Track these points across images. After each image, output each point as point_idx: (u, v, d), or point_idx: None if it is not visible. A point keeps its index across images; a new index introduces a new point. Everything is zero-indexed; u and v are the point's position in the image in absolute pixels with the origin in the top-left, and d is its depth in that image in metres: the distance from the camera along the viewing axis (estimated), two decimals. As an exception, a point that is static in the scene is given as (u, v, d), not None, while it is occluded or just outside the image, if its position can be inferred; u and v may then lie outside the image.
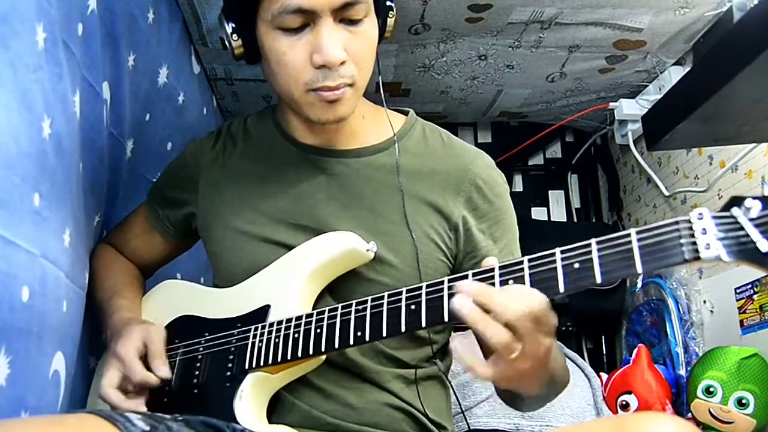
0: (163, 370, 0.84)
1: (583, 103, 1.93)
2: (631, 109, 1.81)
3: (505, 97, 1.91)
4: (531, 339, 0.64)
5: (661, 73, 1.70)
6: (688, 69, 1.59)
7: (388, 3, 0.89)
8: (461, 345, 0.66)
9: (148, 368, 0.84)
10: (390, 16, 0.89)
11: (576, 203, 2.21)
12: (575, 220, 2.19)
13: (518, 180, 2.21)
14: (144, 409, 0.83)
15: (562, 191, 2.21)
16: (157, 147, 1.29)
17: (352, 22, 0.82)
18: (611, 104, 1.85)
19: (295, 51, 0.81)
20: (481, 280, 0.68)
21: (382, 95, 0.95)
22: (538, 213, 2.19)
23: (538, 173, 2.22)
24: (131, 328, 0.87)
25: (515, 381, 0.70)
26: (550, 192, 2.21)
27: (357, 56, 0.83)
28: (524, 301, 0.63)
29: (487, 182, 0.94)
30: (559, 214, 2.19)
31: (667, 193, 1.77)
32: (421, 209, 0.90)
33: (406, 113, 1.00)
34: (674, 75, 1.66)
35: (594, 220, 2.17)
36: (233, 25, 0.86)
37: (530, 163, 2.22)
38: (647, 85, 1.77)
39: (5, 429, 0.59)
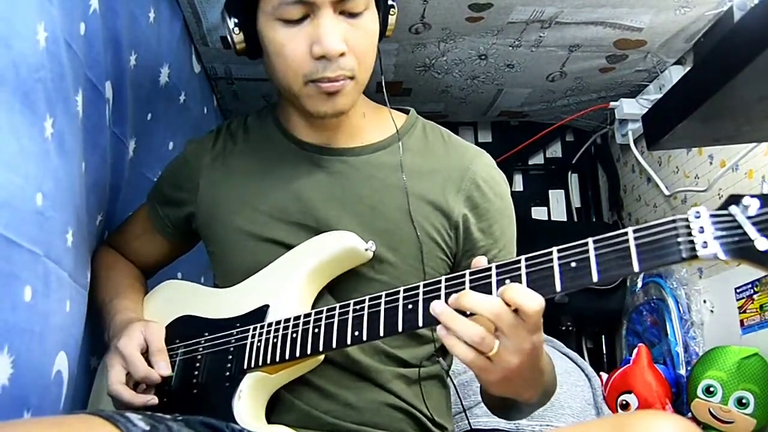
0: (163, 366, 0.85)
1: (583, 103, 1.93)
2: (631, 109, 1.81)
3: (505, 97, 1.91)
4: (513, 333, 0.64)
5: (661, 72, 1.70)
6: (688, 69, 1.59)
7: (390, 1, 0.89)
8: None
9: (150, 366, 0.85)
10: (391, 13, 0.90)
11: (576, 203, 2.21)
12: (575, 219, 2.19)
13: (518, 180, 2.21)
14: (155, 400, 0.83)
15: (563, 191, 2.21)
16: (158, 146, 1.30)
17: (353, 15, 0.82)
18: (611, 104, 1.85)
19: (295, 42, 0.82)
20: (477, 279, 0.68)
21: (386, 94, 0.96)
22: (538, 213, 2.19)
23: (539, 173, 2.22)
24: (132, 326, 0.87)
25: (507, 383, 0.69)
26: (550, 191, 2.21)
27: (357, 49, 0.83)
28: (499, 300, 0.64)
29: (487, 181, 0.94)
30: (559, 214, 2.19)
31: (667, 193, 1.77)
32: (422, 207, 0.91)
33: (406, 112, 1.00)
34: (674, 75, 1.66)
35: (594, 220, 2.17)
36: (235, 20, 0.86)
37: (530, 162, 2.22)
38: (647, 85, 1.77)
39: (6, 430, 0.60)
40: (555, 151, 2.24)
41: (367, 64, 0.86)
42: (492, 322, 0.64)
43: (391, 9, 0.90)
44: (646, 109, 1.28)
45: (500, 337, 0.65)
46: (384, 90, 0.95)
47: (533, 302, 0.63)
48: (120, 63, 1.06)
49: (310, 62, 0.82)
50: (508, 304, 0.64)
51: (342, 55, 0.81)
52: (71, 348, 0.84)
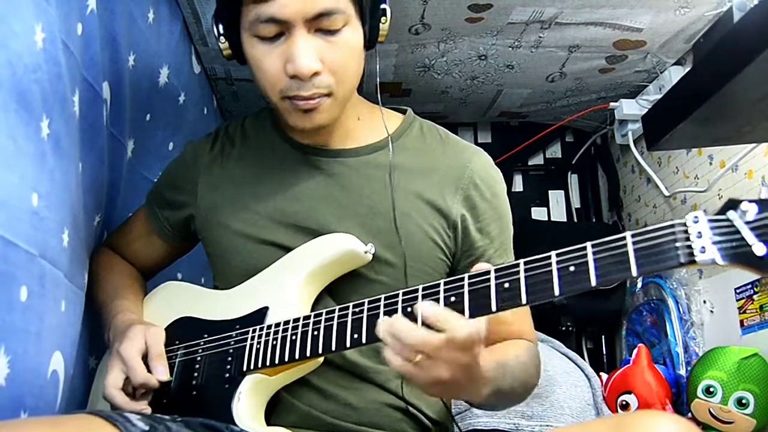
0: (161, 372, 0.84)
1: (583, 103, 1.93)
2: (631, 109, 1.80)
3: (505, 97, 1.91)
4: (433, 353, 0.66)
5: (661, 73, 1.70)
6: (688, 69, 1.59)
7: (382, 6, 0.87)
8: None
9: (149, 370, 0.84)
10: (383, 21, 0.87)
11: (576, 203, 2.20)
12: (575, 220, 2.19)
13: (518, 180, 2.21)
14: (148, 410, 0.83)
15: (562, 191, 2.21)
16: (157, 147, 1.30)
17: (329, 32, 0.81)
18: (611, 104, 1.84)
19: (271, 59, 0.82)
20: (476, 283, 0.68)
21: (379, 96, 0.95)
22: (538, 213, 2.19)
23: (538, 173, 2.22)
24: (133, 329, 0.87)
25: (441, 388, 0.70)
26: (550, 192, 2.21)
27: (334, 66, 0.82)
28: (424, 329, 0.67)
29: (485, 180, 0.94)
30: (559, 214, 2.19)
31: (667, 193, 1.77)
32: (419, 207, 0.90)
33: (404, 112, 1.00)
34: (674, 75, 1.66)
35: (594, 220, 2.17)
36: (222, 28, 0.87)
37: (530, 163, 2.22)
38: (647, 85, 1.77)
39: (5, 430, 0.60)
40: (555, 151, 2.24)
41: (347, 79, 0.85)
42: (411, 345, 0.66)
43: (383, 17, 0.87)
44: (646, 110, 1.28)
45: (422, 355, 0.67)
46: (377, 91, 0.94)
47: (460, 331, 0.65)
48: (118, 63, 1.05)
49: (285, 79, 0.82)
50: (430, 326, 0.66)
51: (316, 74, 0.81)
52: (67, 348, 0.83)
